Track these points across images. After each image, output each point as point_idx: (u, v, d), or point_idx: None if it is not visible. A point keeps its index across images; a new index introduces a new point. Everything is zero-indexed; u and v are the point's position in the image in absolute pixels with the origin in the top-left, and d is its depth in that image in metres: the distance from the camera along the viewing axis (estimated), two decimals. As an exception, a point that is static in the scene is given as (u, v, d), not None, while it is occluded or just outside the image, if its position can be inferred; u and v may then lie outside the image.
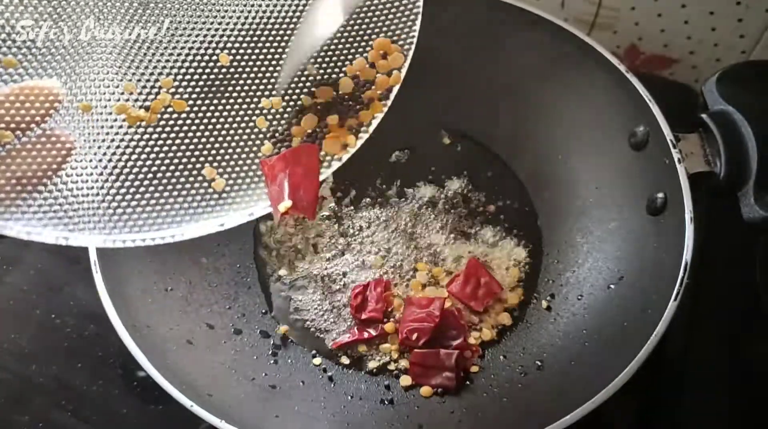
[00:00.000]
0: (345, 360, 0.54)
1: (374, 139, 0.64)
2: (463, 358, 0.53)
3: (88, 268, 0.47)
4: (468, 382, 0.53)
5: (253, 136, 0.37)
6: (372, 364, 0.54)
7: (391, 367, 0.54)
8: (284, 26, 0.39)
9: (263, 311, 0.57)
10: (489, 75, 0.61)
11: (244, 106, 0.38)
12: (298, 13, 0.39)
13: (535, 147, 0.61)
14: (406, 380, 0.53)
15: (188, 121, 0.37)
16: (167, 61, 0.37)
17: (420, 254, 0.59)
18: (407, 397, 0.52)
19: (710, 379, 0.56)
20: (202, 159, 0.36)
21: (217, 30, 0.38)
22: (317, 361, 0.54)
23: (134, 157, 0.35)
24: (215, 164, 0.36)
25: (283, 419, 0.49)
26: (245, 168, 0.37)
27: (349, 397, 0.52)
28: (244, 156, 0.37)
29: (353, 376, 0.54)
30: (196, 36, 0.38)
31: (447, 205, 0.61)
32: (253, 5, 0.39)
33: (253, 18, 0.39)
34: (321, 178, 0.37)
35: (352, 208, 0.62)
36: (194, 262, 0.56)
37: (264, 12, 0.39)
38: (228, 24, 0.39)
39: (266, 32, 0.39)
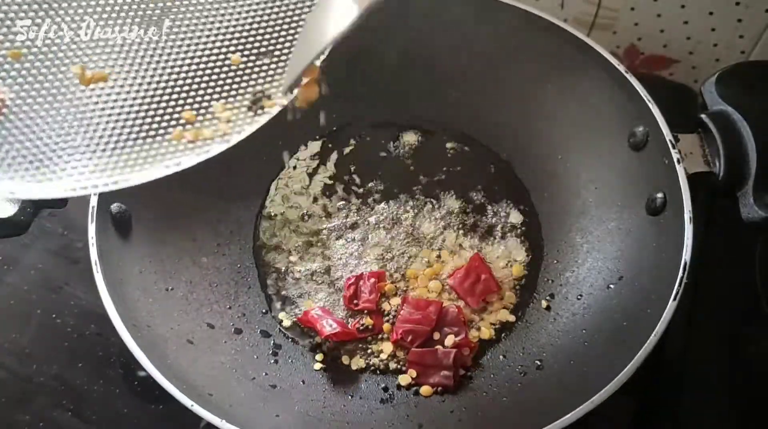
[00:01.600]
0: (345, 360, 0.54)
1: (375, 138, 0.64)
2: (462, 355, 0.53)
3: (88, 268, 0.47)
4: (468, 382, 0.53)
5: (210, 89, 0.38)
6: (372, 364, 0.54)
7: (391, 366, 0.54)
8: (281, 26, 0.39)
9: (263, 311, 0.57)
10: (489, 75, 0.61)
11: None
12: (299, 12, 0.40)
13: (535, 147, 0.61)
14: (405, 379, 0.53)
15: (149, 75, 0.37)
16: (166, 61, 0.37)
17: (420, 252, 0.59)
18: (407, 397, 0.52)
19: (710, 379, 0.56)
20: (163, 103, 0.36)
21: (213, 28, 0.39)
22: (317, 360, 0.54)
23: (88, 105, 0.35)
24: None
25: (283, 419, 0.49)
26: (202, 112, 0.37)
27: (349, 397, 0.52)
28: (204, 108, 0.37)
29: (353, 376, 0.54)
30: (191, 37, 0.38)
31: (447, 204, 0.61)
32: (251, 4, 0.39)
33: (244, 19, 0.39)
34: (233, 141, 0.37)
35: (352, 206, 0.62)
36: (194, 261, 0.56)
37: (258, 13, 0.39)
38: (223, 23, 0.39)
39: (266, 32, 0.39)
